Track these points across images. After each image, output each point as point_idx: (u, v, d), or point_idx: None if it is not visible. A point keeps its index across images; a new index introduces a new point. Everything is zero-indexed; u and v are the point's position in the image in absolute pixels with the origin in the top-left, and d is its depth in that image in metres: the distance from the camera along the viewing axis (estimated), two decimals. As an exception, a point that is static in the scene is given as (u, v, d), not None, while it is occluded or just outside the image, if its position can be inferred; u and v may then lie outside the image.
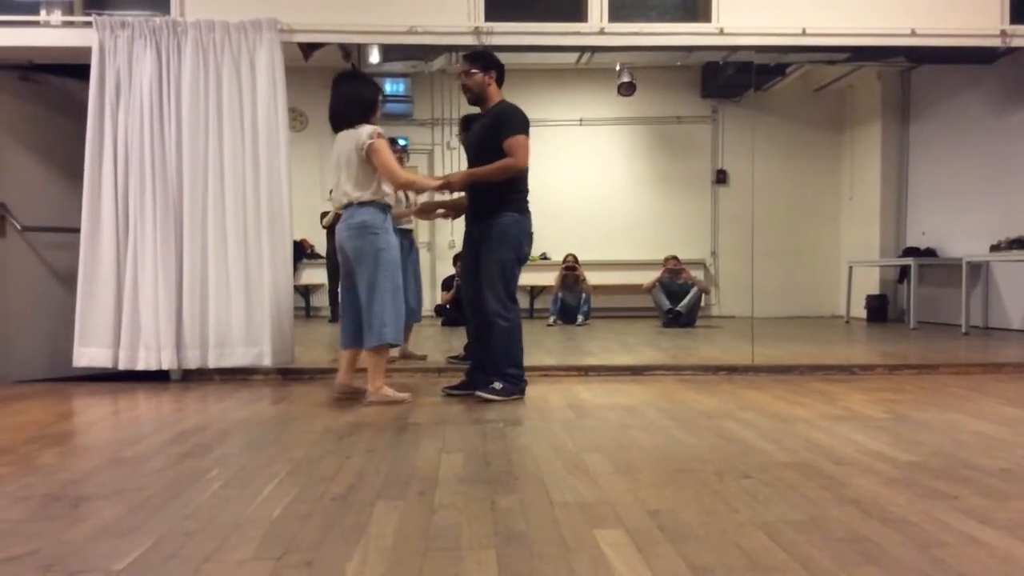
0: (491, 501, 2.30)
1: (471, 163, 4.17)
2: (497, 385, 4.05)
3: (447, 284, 9.60)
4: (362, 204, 3.96)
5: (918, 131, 9.88)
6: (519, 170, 4.03)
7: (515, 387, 4.10)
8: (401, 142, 7.34)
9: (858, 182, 10.65)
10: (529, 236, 4.16)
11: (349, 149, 3.96)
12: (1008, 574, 1.75)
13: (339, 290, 4.17)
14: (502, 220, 4.05)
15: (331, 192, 4.44)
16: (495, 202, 4.06)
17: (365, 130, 3.94)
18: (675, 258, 9.44)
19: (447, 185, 4.18)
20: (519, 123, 4.02)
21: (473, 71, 4.09)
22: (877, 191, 10.18)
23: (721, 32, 5.21)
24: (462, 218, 4.45)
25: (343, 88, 4.08)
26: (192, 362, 4.84)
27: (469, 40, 5.00)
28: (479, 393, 4.03)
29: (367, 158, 3.92)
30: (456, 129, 7.12)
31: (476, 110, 4.32)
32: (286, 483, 2.51)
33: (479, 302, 4.12)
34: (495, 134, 4.02)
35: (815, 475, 2.56)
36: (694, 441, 3.10)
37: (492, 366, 4.11)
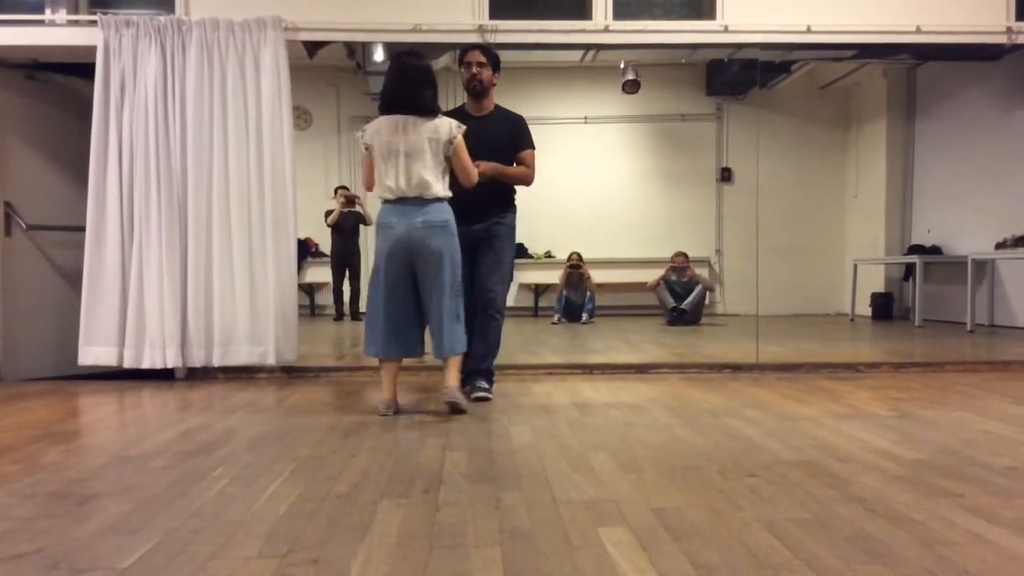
0: (496, 499, 2.30)
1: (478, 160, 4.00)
2: (486, 384, 4.10)
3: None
4: (439, 200, 3.64)
5: (924, 128, 9.84)
6: (530, 182, 4.18)
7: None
8: None
9: (863, 180, 10.62)
10: None
11: (423, 139, 3.58)
12: (1015, 573, 1.75)
13: (386, 293, 3.67)
14: (509, 219, 4.18)
15: (380, 183, 3.66)
16: (505, 201, 4.15)
17: (451, 123, 3.65)
18: (683, 254, 9.35)
19: (480, 173, 3.89)
20: (531, 137, 4.17)
21: (488, 66, 4.11)
22: (882, 188, 10.15)
23: (726, 29, 5.19)
24: None
25: (410, 68, 3.67)
26: (197, 360, 4.85)
27: (473, 38, 4.99)
28: (483, 395, 4.03)
29: (452, 154, 3.63)
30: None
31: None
32: (291, 481, 2.52)
33: (479, 298, 4.13)
34: (514, 142, 4.11)
35: (820, 473, 2.56)
36: (699, 439, 3.10)
37: (481, 360, 4.10)
